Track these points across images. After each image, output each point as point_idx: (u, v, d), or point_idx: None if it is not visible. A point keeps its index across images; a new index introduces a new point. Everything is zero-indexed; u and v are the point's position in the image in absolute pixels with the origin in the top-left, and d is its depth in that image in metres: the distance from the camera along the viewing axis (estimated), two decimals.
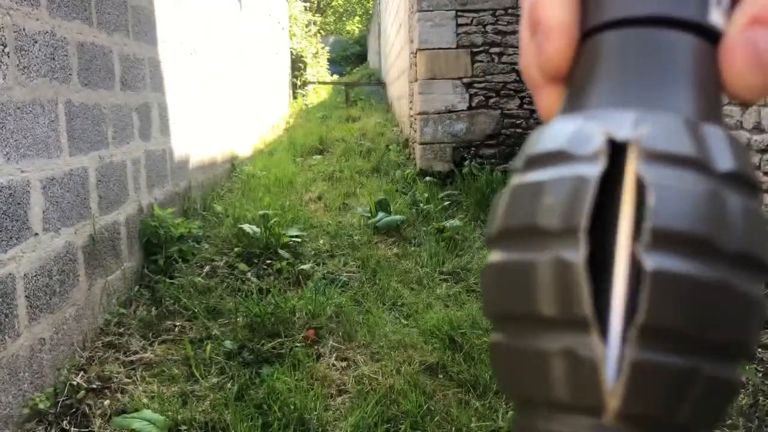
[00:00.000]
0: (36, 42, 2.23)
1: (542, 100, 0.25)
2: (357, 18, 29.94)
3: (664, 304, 0.18)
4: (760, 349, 2.39)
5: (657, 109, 0.21)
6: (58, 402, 2.13)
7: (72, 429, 2.03)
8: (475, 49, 5.32)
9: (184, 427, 2.02)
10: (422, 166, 5.53)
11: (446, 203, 4.84)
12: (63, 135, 2.42)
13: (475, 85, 5.36)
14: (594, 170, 0.20)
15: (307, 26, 14.32)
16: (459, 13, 5.27)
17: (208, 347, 2.51)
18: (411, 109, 6.19)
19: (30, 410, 2.03)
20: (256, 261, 3.50)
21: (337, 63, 20.96)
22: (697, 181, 0.19)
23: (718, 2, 0.22)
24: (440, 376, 2.39)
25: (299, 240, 3.82)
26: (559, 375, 0.20)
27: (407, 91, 6.64)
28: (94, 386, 2.25)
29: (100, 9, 2.83)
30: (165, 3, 3.77)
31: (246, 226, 3.69)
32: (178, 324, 2.79)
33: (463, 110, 5.38)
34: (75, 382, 2.23)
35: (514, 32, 5.28)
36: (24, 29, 2.14)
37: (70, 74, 2.50)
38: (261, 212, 3.91)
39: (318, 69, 14.91)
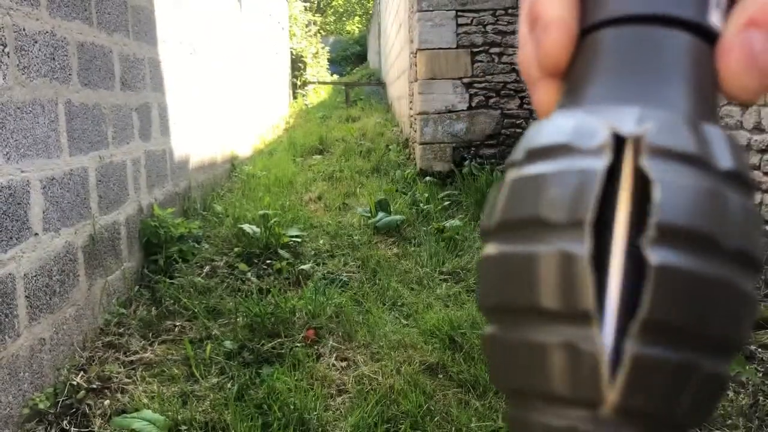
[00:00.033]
0: (36, 42, 2.23)
1: (539, 95, 0.25)
2: (357, 18, 29.94)
3: (667, 299, 0.19)
4: (760, 349, 2.39)
5: (655, 106, 0.21)
6: (58, 402, 2.13)
7: (72, 429, 2.03)
8: (475, 49, 5.32)
9: (184, 427, 2.02)
10: (422, 166, 5.53)
11: (446, 203, 4.84)
12: (63, 135, 2.42)
13: (475, 85, 5.36)
14: (600, 164, 0.20)
15: (307, 26, 14.32)
16: (459, 13, 5.27)
17: (208, 347, 2.51)
18: (411, 109, 6.19)
19: (30, 410, 2.03)
20: (256, 261, 3.50)
21: (337, 63, 20.96)
22: (700, 179, 0.19)
23: (717, 4, 0.22)
24: (440, 376, 2.39)
25: (299, 240, 3.82)
26: (558, 367, 0.20)
27: (407, 91, 6.64)
28: (94, 386, 2.25)
29: (100, 9, 2.83)
30: (165, 3, 3.77)
31: (246, 226, 3.69)
32: (178, 324, 2.79)
33: (463, 110, 5.38)
34: (75, 382, 2.23)
35: (515, 32, 5.27)
36: (24, 29, 2.14)
37: (70, 74, 2.50)
38: (261, 212, 3.91)
39: (318, 69, 14.91)
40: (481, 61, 5.33)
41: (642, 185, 0.20)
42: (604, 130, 0.20)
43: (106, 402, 2.17)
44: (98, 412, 2.11)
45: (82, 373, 2.32)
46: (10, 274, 2.01)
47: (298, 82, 12.85)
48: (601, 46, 0.23)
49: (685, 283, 0.19)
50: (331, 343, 2.63)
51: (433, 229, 4.19)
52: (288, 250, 3.64)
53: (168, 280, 3.12)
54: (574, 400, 0.20)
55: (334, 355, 2.56)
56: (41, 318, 2.19)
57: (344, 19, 30.33)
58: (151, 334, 2.68)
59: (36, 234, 2.18)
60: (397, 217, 4.27)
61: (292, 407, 2.09)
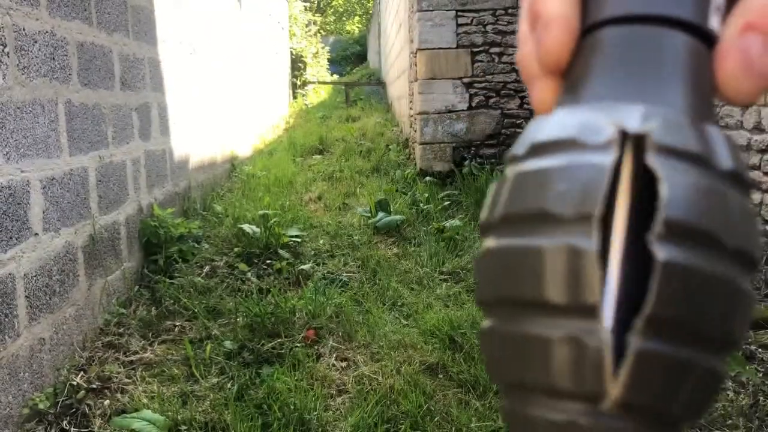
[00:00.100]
0: (36, 42, 2.23)
1: (538, 93, 0.25)
2: (357, 18, 29.94)
3: (671, 296, 0.19)
4: (760, 349, 2.39)
5: (657, 104, 0.21)
6: (58, 402, 2.13)
7: (72, 429, 2.03)
8: (475, 49, 5.32)
9: (184, 427, 2.02)
10: (422, 166, 5.53)
11: (446, 203, 4.84)
12: (63, 135, 2.42)
13: (475, 85, 5.36)
14: (607, 159, 0.20)
15: (307, 26, 14.32)
16: (459, 13, 5.27)
17: (208, 347, 2.51)
18: (411, 109, 6.19)
19: (30, 410, 2.03)
20: (256, 261, 3.50)
21: (337, 63, 20.95)
22: (703, 177, 0.20)
23: (716, 7, 0.23)
24: (440, 376, 2.39)
25: (299, 240, 3.82)
26: (560, 361, 0.20)
27: (407, 91, 6.64)
28: (94, 386, 2.25)
29: (100, 9, 2.83)
30: (165, 3, 3.77)
31: (246, 226, 3.69)
32: (178, 324, 2.79)
33: (463, 110, 5.38)
34: (75, 382, 2.23)
35: (515, 32, 5.27)
36: (24, 29, 2.14)
37: (69, 74, 2.50)
38: (261, 212, 3.91)
39: (318, 69, 14.90)
40: (481, 61, 5.33)
41: (641, 182, 0.20)
42: (610, 127, 0.21)
43: (106, 402, 2.17)
44: (98, 412, 2.11)
45: (82, 373, 2.32)
46: (10, 274, 2.01)
47: (298, 82, 12.85)
48: (601, 45, 0.23)
49: (689, 279, 0.19)
50: (331, 343, 2.63)
51: (433, 229, 4.19)
52: (288, 250, 3.64)
53: (168, 280, 3.12)
54: (576, 393, 0.20)
55: (334, 355, 2.56)
56: (41, 318, 2.19)
57: (344, 19, 30.32)
58: (151, 334, 2.68)
59: (36, 234, 2.18)
60: (397, 217, 4.27)
61: (292, 407, 2.09)
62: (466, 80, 5.35)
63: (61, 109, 2.41)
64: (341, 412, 2.16)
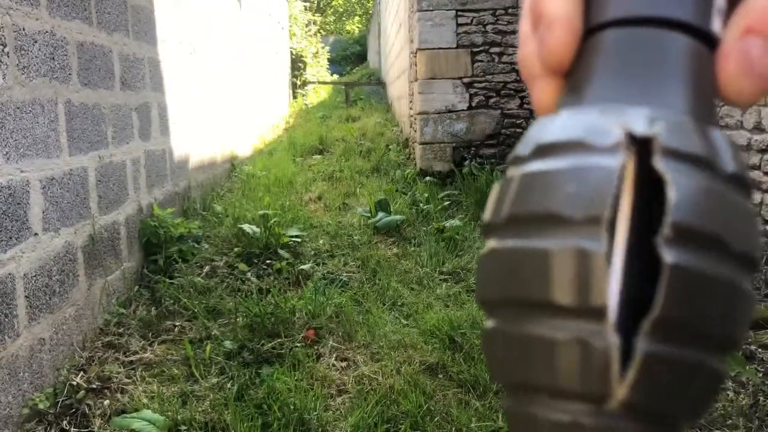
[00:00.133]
0: (36, 42, 2.23)
1: (538, 93, 0.26)
2: (357, 18, 29.94)
3: (678, 298, 0.19)
4: (760, 349, 2.39)
5: (661, 107, 0.21)
6: (58, 402, 2.13)
7: (72, 429, 2.03)
8: (475, 49, 5.32)
9: (184, 427, 2.01)
10: (422, 166, 5.53)
11: (446, 203, 4.84)
12: (63, 135, 2.42)
13: (475, 84, 5.36)
14: (616, 162, 0.20)
15: (307, 26, 14.32)
16: (459, 13, 5.27)
17: (208, 347, 2.51)
18: (411, 108, 6.19)
19: (30, 410, 2.03)
20: (256, 261, 3.49)
21: (337, 63, 20.95)
22: (709, 181, 0.20)
23: (719, 10, 0.23)
24: (440, 376, 2.39)
25: (299, 240, 3.82)
26: (565, 362, 0.20)
27: (407, 91, 6.64)
28: (94, 386, 2.24)
29: (100, 9, 2.83)
30: (165, 2, 3.77)
31: (246, 226, 3.69)
32: (177, 324, 2.79)
33: (463, 110, 5.38)
34: (75, 382, 2.23)
35: (515, 32, 5.27)
36: (24, 29, 2.14)
37: (69, 74, 2.50)
38: (261, 212, 3.90)
39: (318, 69, 14.90)
40: (481, 61, 5.33)
41: (644, 184, 0.20)
42: (617, 129, 0.21)
43: (106, 402, 2.17)
44: (98, 412, 2.11)
45: (81, 373, 2.32)
46: (9, 274, 2.01)
47: (298, 82, 12.84)
48: (604, 46, 0.23)
49: (695, 282, 0.19)
50: (331, 343, 2.63)
51: (433, 229, 4.19)
52: (288, 250, 3.64)
53: (168, 280, 3.12)
54: (581, 394, 0.20)
55: (334, 355, 2.56)
56: (41, 318, 2.19)
57: (344, 18, 30.32)
58: (150, 334, 2.68)
59: (36, 234, 2.18)
60: (397, 217, 4.27)
61: (292, 407, 2.09)
62: (466, 80, 5.35)
63: (60, 109, 2.41)
64: (341, 412, 2.16)
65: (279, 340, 2.60)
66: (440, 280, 3.43)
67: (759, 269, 0.22)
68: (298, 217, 4.37)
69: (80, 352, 2.45)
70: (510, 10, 5.26)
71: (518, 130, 5.39)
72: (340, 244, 3.95)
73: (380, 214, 4.30)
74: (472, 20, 5.27)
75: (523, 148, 0.23)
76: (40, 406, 2.05)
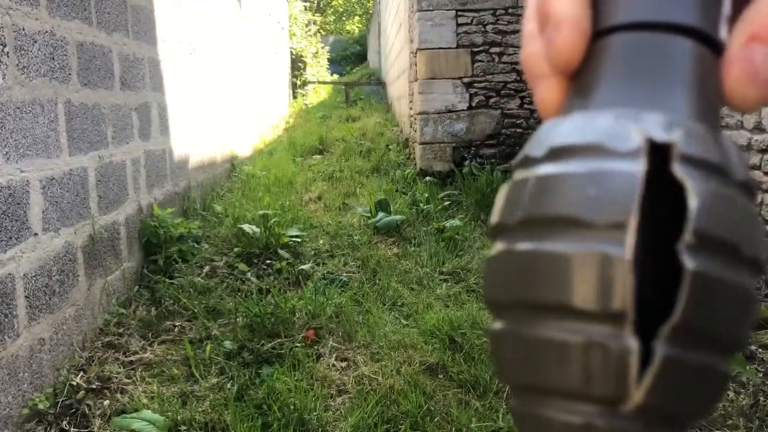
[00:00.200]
0: (35, 42, 2.23)
1: (542, 92, 0.26)
2: (357, 18, 29.93)
3: (697, 304, 0.19)
4: (760, 349, 2.39)
5: (672, 112, 0.22)
6: (58, 402, 2.13)
7: (72, 429, 2.03)
8: (476, 49, 5.31)
9: (183, 428, 2.01)
10: (422, 166, 5.53)
11: (446, 203, 4.84)
12: (62, 135, 2.41)
13: (476, 84, 5.35)
14: (638, 167, 0.20)
15: (307, 26, 14.32)
16: (459, 13, 5.27)
17: (208, 347, 2.51)
18: (411, 108, 6.18)
19: (29, 410, 2.03)
20: (255, 261, 3.49)
21: (337, 63, 20.94)
22: (724, 188, 0.20)
23: (725, 17, 0.23)
24: (440, 376, 2.39)
25: (299, 240, 3.82)
26: (582, 365, 0.20)
27: (407, 91, 6.64)
28: (94, 386, 2.24)
29: (100, 8, 2.83)
30: (164, 2, 3.77)
31: (246, 226, 3.69)
32: (177, 324, 2.78)
33: (463, 110, 5.38)
34: (75, 383, 2.23)
35: (515, 32, 5.27)
36: (23, 29, 2.14)
37: (69, 74, 2.49)
38: (261, 212, 3.90)
39: (318, 69, 14.90)
40: (481, 61, 5.33)
41: (653, 189, 0.20)
42: (637, 135, 0.21)
43: (106, 402, 2.16)
44: (98, 412, 2.11)
45: (81, 373, 2.32)
46: (9, 274, 2.01)
47: (298, 82, 12.84)
48: (612, 50, 0.23)
49: (712, 288, 0.20)
50: (331, 343, 2.63)
51: (433, 229, 4.19)
52: (288, 250, 3.63)
53: (168, 280, 3.12)
54: (595, 397, 0.20)
55: (334, 355, 2.56)
56: (41, 318, 2.19)
57: (344, 18, 30.32)
58: (150, 335, 2.68)
59: (35, 234, 2.18)
60: (397, 217, 4.27)
61: (292, 407, 2.09)
62: (466, 80, 5.35)
63: (60, 109, 2.40)
64: (341, 412, 2.16)
65: (279, 340, 2.60)
66: (440, 280, 3.43)
67: (765, 273, 0.23)
68: (298, 217, 4.37)
69: (80, 352, 2.45)
70: (510, 10, 5.25)
71: (518, 130, 5.39)
72: (340, 244, 3.94)
73: (380, 214, 4.30)
74: (472, 20, 5.27)
75: (534, 149, 0.23)
76: (40, 406, 2.05)
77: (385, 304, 3.07)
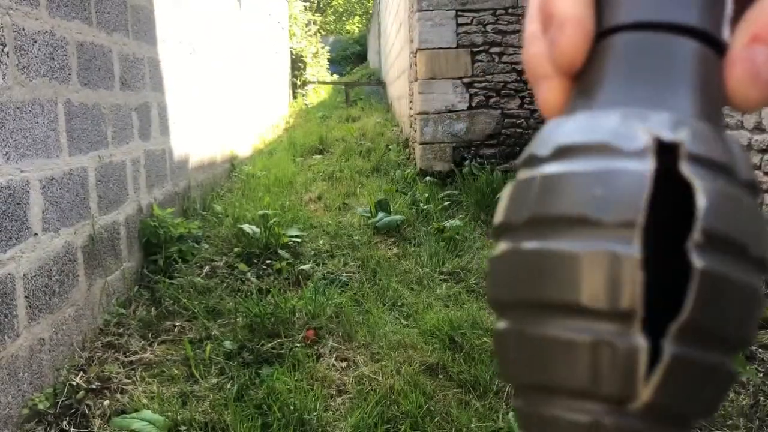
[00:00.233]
0: (35, 42, 2.23)
1: (544, 92, 0.26)
2: (357, 18, 29.93)
3: (705, 303, 0.20)
4: (760, 349, 2.39)
5: (675, 111, 0.22)
6: (58, 402, 2.13)
7: (72, 429, 2.03)
8: (476, 49, 5.31)
9: (183, 428, 2.01)
10: (422, 166, 5.53)
11: (446, 203, 4.84)
12: (62, 135, 2.41)
13: (476, 84, 5.35)
14: (646, 167, 0.20)
15: (306, 26, 14.32)
16: (459, 13, 5.27)
17: (208, 347, 2.51)
18: (411, 108, 6.18)
19: (29, 410, 2.03)
20: (255, 261, 3.49)
21: (337, 63, 20.94)
22: (730, 187, 0.21)
23: (728, 17, 0.23)
24: (440, 376, 2.39)
25: (299, 240, 3.82)
26: (588, 363, 0.20)
27: (407, 91, 6.64)
28: (94, 386, 2.24)
29: (100, 8, 2.82)
30: (164, 2, 3.77)
31: (246, 226, 3.68)
32: (177, 324, 2.78)
33: (463, 110, 5.38)
34: (74, 383, 2.23)
35: (515, 32, 5.27)
36: (23, 29, 2.14)
37: (69, 74, 2.49)
38: (261, 212, 3.90)
39: (318, 69, 14.90)
40: (481, 61, 5.33)
41: (658, 189, 0.20)
42: (644, 134, 0.21)
43: (106, 402, 2.16)
44: (98, 412, 2.11)
45: (81, 373, 2.32)
46: (9, 274, 2.01)
47: (298, 82, 12.84)
48: (616, 50, 0.24)
49: (720, 287, 0.20)
50: (331, 343, 2.63)
51: (433, 229, 4.19)
52: (288, 250, 3.63)
53: (168, 280, 3.12)
54: (603, 395, 0.20)
55: (334, 355, 2.56)
56: (41, 318, 2.19)
57: (344, 18, 30.32)
58: (150, 335, 2.68)
59: (35, 234, 2.18)
60: (397, 217, 4.27)
61: (292, 407, 2.09)
62: (466, 80, 5.35)
63: (60, 109, 2.40)
64: (341, 412, 2.16)
65: (279, 340, 2.60)
66: (440, 280, 3.43)
67: None
68: (298, 217, 4.37)
69: (80, 353, 2.45)
70: (510, 10, 5.25)
71: (518, 130, 5.39)
72: (340, 244, 3.94)
73: (380, 214, 4.30)
74: (472, 20, 5.27)
75: (540, 148, 0.23)
76: (40, 406, 2.05)
77: (385, 304, 3.07)
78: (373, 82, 14.38)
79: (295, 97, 12.61)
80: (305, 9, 15.21)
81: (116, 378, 2.32)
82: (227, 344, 2.54)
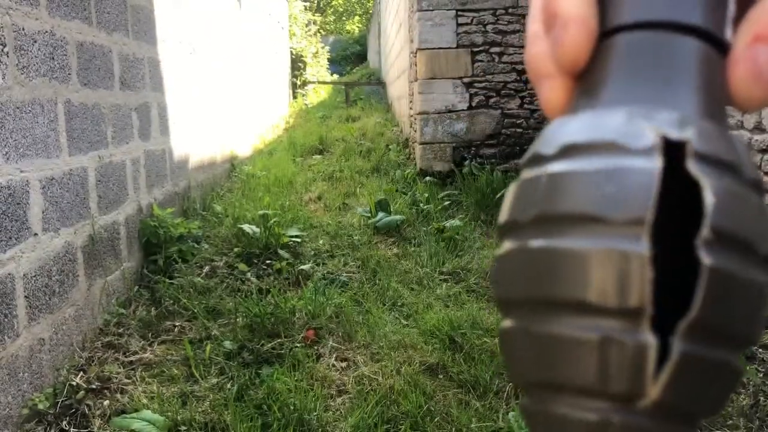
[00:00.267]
0: (35, 41, 2.22)
1: (547, 92, 0.26)
2: (357, 18, 29.93)
3: (714, 300, 0.20)
4: (760, 350, 2.39)
5: (680, 110, 0.22)
6: (58, 402, 2.13)
7: (71, 429, 2.03)
8: (476, 49, 5.31)
9: (183, 428, 2.01)
10: (422, 166, 5.53)
11: (446, 203, 4.84)
12: (62, 135, 2.41)
13: (476, 84, 5.35)
14: (654, 164, 0.20)
15: (306, 26, 14.32)
16: (459, 13, 5.27)
17: (208, 347, 2.51)
18: (411, 108, 6.18)
19: (29, 410, 2.03)
20: (255, 261, 3.49)
21: (337, 63, 20.94)
22: (737, 185, 0.21)
23: (731, 17, 0.23)
24: (440, 376, 2.39)
25: (299, 240, 3.82)
26: (597, 361, 0.20)
27: (407, 91, 6.64)
28: (94, 386, 2.24)
29: (100, 8, 2.82)
30: (164, 2, 3.77)
31: (246, 226, 3.68)
32: (177, 324, 2.78)
33: (463, 110, 5.38)
34: (74, 383, 2.23)
35: (515, 32, 5.27)
36: (23, 29, 2.14)
37: (69, 74, 2.49)
38: (261, 212, 3.90)
39: (318, 69, 14.90)
40: (481, 61, 5.33)
41: (665, 187, 0.21)
42: (651, 132, 0.21)
43: (106, 402, 2.16)
44: (98, 412, 2.11)
45: (81, 373, 2.32)
46: (9, 274, 2.01)
47: (298, 82, 12.84)
48: (619, 49, 0.24)
49: (729, 285, 0.20)
50: (331, 343, 2.63)
51: (433, 229, 4.19)
52: (288, 250, 3.63)
53: (168, 280, 3.11)
54: (611, 393, 0.20)
55: (334, 355, 2.56)
56: (40, 318, 2.19)
57: (344, 18, 30.31)
58: (150, 335, 2.68)
59: (35, 234, 2.18)
60: (397, 217, 4.27)
61: (292, 408, 2.09)
62: (466, 80, 5.34)
63: (60, 109, 2.40)
64: (341, 412, 2.16)
65: (279, 340, 2.60)
66: (440, 280, 3.43)
67: None
68: (298, 217, 4.37)
69: (80, 353, 2.45)
70: (510, 10, 5.25)
71: (518, 130, 5.39)
72: (340, 244, 3.94)
73: (380, 214, 4.30)
74: (472, 20, 5.27)
75: (545, 147, 0.23)
76: (40, 406, 2.04)
77: (385, 305, 3.07)
78: (373, 82, 14.38)
79: (295, 97, 12.61)
80: (305, 9, 15.21)
81: (116, 378, 2.32)
82: (227, 344, 2.54)
